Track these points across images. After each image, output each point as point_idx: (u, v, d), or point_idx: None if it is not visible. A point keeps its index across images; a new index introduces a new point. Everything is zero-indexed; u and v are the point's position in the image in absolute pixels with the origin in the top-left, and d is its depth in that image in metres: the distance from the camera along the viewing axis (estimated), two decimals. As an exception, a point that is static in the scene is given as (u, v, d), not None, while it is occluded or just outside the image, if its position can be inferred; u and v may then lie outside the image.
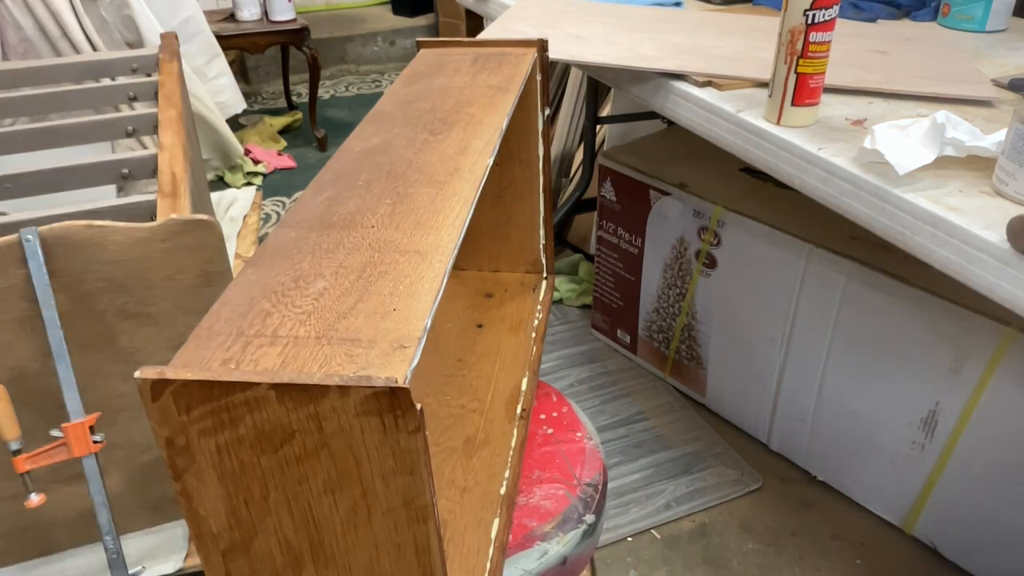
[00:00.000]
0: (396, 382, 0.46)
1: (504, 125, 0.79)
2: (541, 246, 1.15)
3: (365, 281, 0.56)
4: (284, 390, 0.47)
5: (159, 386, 0.47)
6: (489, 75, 0.93)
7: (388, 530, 0.52)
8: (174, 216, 1.05)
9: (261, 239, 2.42)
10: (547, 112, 1.05)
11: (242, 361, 0.49)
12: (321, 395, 0.47)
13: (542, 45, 0.99)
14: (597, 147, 2.15)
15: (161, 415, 0.48)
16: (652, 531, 1.48)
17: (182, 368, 0.48)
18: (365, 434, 0.48)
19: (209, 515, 0.52)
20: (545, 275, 1.17)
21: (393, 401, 0.46)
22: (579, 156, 2.29)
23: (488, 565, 0.74)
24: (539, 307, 1.10)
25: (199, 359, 0.49)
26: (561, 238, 2.32)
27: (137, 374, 0.47)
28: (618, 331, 1.92)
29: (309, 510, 0.52)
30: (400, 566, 0.54)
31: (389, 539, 0.53)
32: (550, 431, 0.99)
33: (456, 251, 0.60)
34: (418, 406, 0.47)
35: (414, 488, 0.50)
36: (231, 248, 2.32)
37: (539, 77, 1.01)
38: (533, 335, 1.04)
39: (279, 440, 0.49)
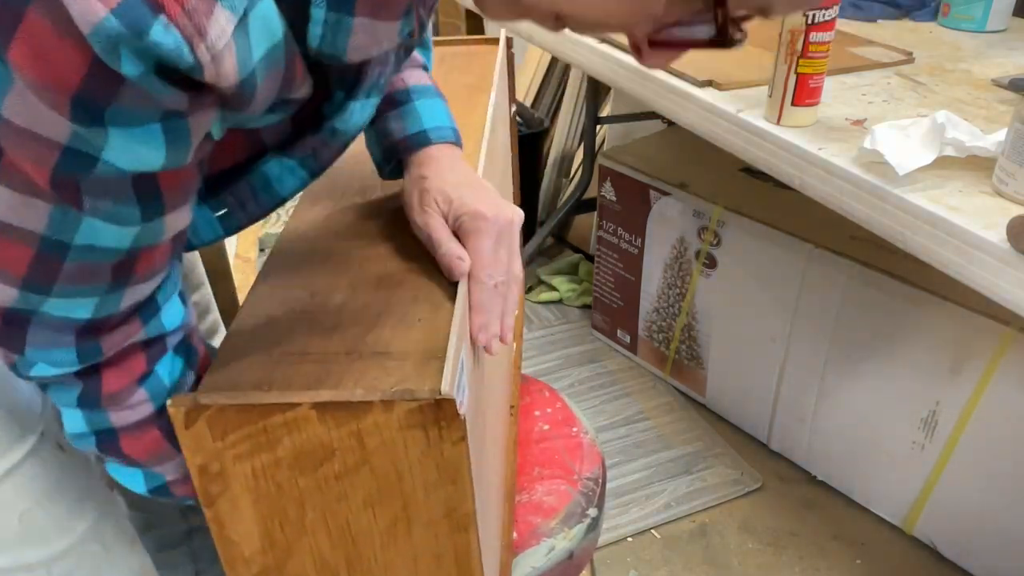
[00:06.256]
0: (440, 394, 0.45)
1: (487, 126, 0.79)
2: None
3: (384, 292, 0.55)
4: (326, 409, 0.46)
5: (193, 413, 0.45)
6: (460, 74, 0.94)
7: (428, 541, 0.51)
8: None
9: (261, 239, 2.42)
10: (513, 108, 1.06)
11: (274, 381, 0.47)
12: (364, 412, 0.46)
13: (508, 43, 0.99)
14: (597, 147, 2.15)
15: (194, 442, 0.47)
16: (652, 531, 1.48)
17: (216, 393, 0.46)
18: (408, 447, 0.47)
19: (242, 540, 0.51)
20: None
21: (438, 413, 0.46)
22: (579, 156, 2.29)
23: (497, 565, 0.74)
24: None
25: (230, 382, 0.48)
26: (561, 238, 2.32)
27: (169, 403, 0.45)
28: (618, 331, 1.92)
29: (347, 527, 0.51)
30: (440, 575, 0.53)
31: (429, 550, 0.52)
32: (546, 427, 0.99)
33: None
34: (462, 416, 0.46)
35: (456, 497, 0.49)
36: (231, 248, 2.32)
37: (506, 74, 1.01)
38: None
39: (319, 459, 0.48)
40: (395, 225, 0.64)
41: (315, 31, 0.41)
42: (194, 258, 0.84)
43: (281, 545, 0.51)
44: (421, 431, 0.47)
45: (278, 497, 0.49)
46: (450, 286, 0.56)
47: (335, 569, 0.53)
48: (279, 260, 0.60)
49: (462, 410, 0.46)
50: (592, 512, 0.89)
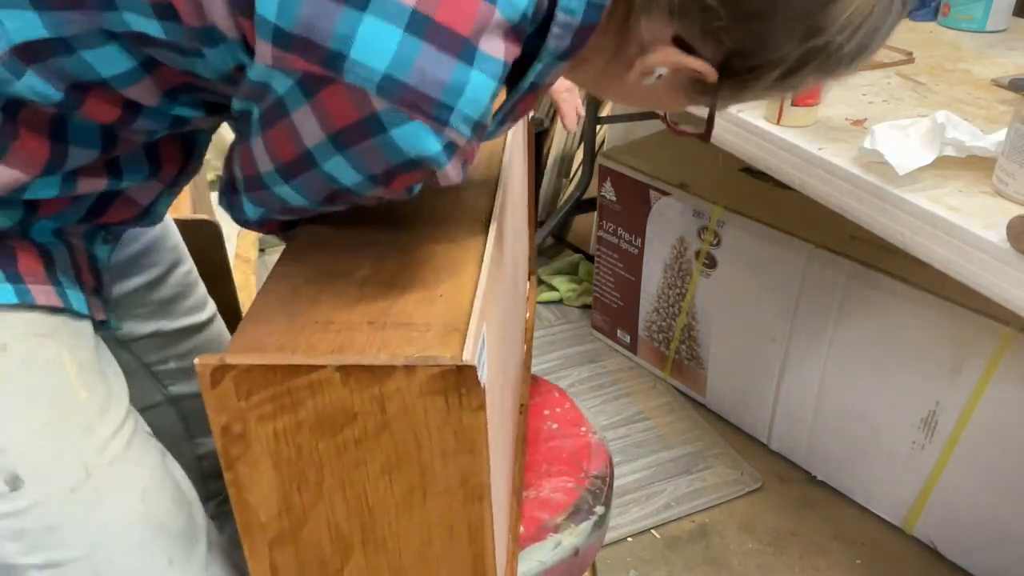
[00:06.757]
0: (462, 361, 0.46)
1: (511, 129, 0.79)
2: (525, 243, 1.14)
3: (407, 270, 0.57)
4: (349, 372, 0.47)
5: (219, 372, 0.47)
6: None
7: (443, 511, 0.52)
8: (174, 216, 1.05)
9: (261, 239, 2.42)
10: (530, 112, 1.05)
11: (298, 346, 0.48)
12: (387, 376, 0.47)
13: None
14: (597, 147, 2.15)
15: (219, 402, 0.48)
16: (652, 531, 1.48)
17: (243, 353, 0.47)
18: (428, 414, 0.48)
19: (259, 504, 0.52)
20: (528, 274, 1.16)
21: (459, 379, 0.47)
22: (579, 156, 2.29)
23: (505, 555, 0.75)
24: (526, 306, 1.10)
25: (255, 345, 0.49)
26: (561, 238, 2.32)
27: (196, 361, 0.47)
28: (618, 331, 1.92)
29: (364, 494, 0.52)
30: (452, 547, 0.54)
31: (443, 520, 0.53)
32: (555, 426, 1.00)
33: (492, 242, 0.60)
34: (483, 383, 0.47)
35: (473, 467, 0.50)
36: (231, 248, 2.32)
37: None
38: (523, 332, 1.04)
39: (340, 423, 0.49)
40: (419, 203, 0.65)
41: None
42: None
43: (297, 511, 0.52)
44: (441, 397, 0.47)
45: (297, 461, 0.50)
46: (473, 264, 0.57)
47: (349, 538, 0.54)
48: (304, 237, 0.61)
49: (482, 380, 0.47)
50: (599, 510, 0.89)
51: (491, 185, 0.69)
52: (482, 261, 0.57)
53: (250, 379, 0.47)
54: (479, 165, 0.73)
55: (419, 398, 0.48)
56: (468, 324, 0.50)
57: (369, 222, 0.63)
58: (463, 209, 0.65)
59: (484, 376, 0.49)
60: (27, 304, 0.56)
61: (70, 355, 0.59)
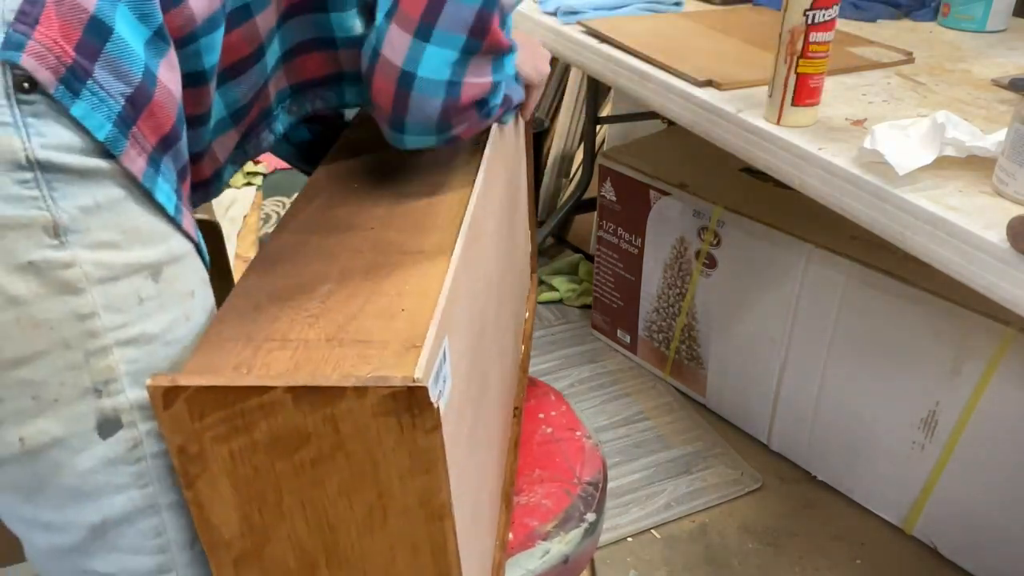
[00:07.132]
0: (413, 381, 0.45)
1: (493, 128, 0.79)
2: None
3: (371, 283, 0.56)
4: (300, 393, 0.46)
5: (171, 393, 0.46)
6: None
7: (404, 531, 0.52)
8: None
9: (261, 239, 2.42)
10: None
11: (254, 366, 0.48)
12: (338, 397, 0.46)
13: None
14: (597, 147, 2.15)
15: (173, 423, 0.47)
16: (652, 531, 1.48)
17: (194, 375, 0.47)
18: (382, 435, 0.48)
19: (221, 523, 0.51)
20: (529, 274, 1.16)
21: (411, 400, 0.46)
22: (579, 156, 2.29)
23: (490, 563, 0.74)
24: (525, 306, 1.09)
25: (210, 365, 0.48)
26: (561, 238, 2.32)
27: (148, 382, 0.46)
28: (618, 331, 1.92)
29: (324, 514, 0.51)
30: (416, 566, 0.54)
31: (405, 540, 0.52)
32: (549, 430, 0.99)
33: (461, 251, 0.59)
34: (436, 404, 0.46)
35: (431, 487, 0.50)
36: (231, 248, 2.32)
37: None
38: (520, 334, 1.04)
39: (295, 444, 0.48)
40: (388, 218, 0.65)
41: None
42: None
43: (259, 529, 0.52)
44: (394, 418, 0.47)
45: (256, 481, 0.50)
46: (437, 279, 0.56)
47: (313, 556, 0.53)
48: (271, 251, 0.61)
49: (438, 399, 0.47)
50: (590, 517, 0.89)
51: (466, 191, 0.68)
52: (449, 274, 0.56)
53: (202, 401, 0.46)
54: (455, 170, 0.72)
55: (372, 419, 0.47)
56: (426, 340, 0.49)
57: (337, 229, 0.63)
58: (435, 217, 0.64)
59: (445, 393, 0.48)
60: (175, 222, 0.52)
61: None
